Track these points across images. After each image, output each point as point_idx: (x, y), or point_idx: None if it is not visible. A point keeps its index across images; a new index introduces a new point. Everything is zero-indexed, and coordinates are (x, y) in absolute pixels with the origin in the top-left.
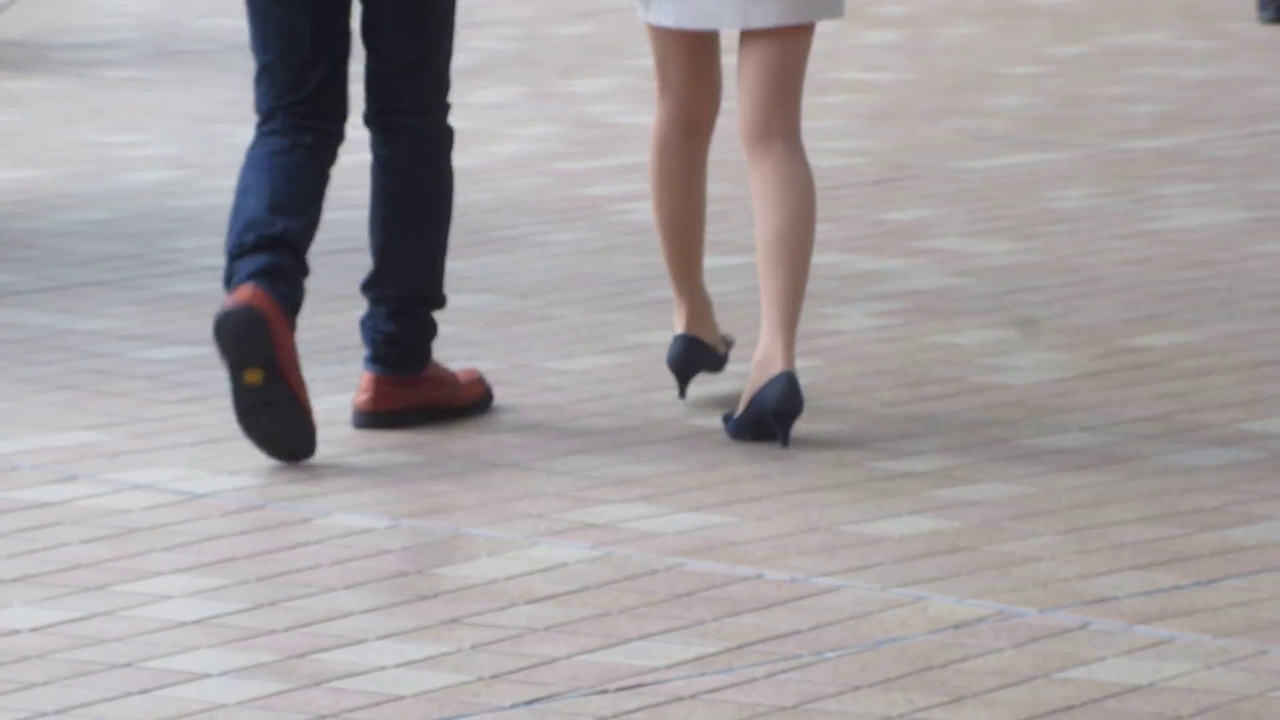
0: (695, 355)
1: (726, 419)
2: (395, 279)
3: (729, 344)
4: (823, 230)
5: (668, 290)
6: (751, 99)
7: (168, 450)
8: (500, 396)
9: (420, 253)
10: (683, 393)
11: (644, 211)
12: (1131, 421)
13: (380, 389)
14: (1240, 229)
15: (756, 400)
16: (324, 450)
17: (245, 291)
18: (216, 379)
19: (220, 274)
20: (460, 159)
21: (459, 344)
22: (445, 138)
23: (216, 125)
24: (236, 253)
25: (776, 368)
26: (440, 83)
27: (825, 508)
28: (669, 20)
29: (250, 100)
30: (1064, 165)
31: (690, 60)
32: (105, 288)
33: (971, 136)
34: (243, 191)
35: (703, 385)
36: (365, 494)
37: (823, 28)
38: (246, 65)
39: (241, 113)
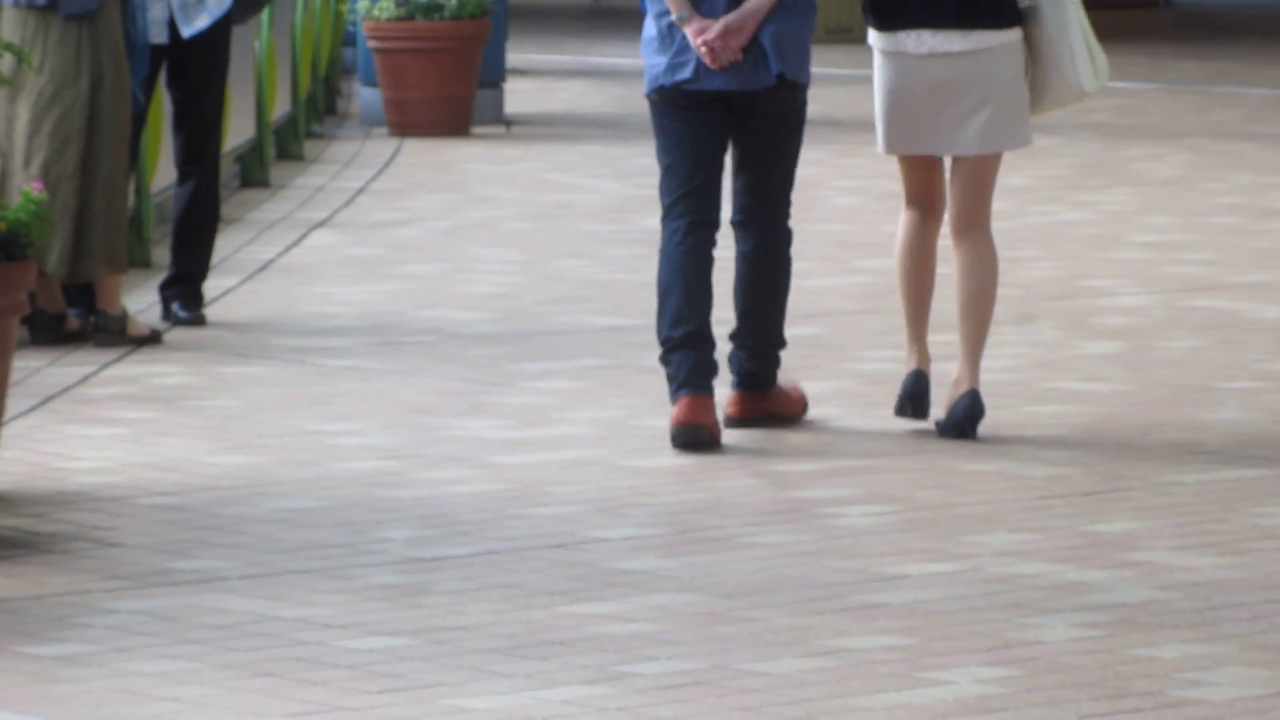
0: (923, 385)
1: (938, 424)
2: (754, 330)
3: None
4: (1030, 540)
5: (874, 595)
6: (957, 202)
7: None
8: (697, 698)
9: (771, 313)
10: (910, 413)
11: (855, 515)
12: None
13: (744, 404)
14: None
15: (952, 410)
16: None
17: (687, 411)
18: (417, 670)
19: (425, 565)
20: (672, 458)
21: (659, 642)
22: (787, 235)
23: (432, 416)
24: (670, 345)
25: (965, 387)
26: (786, 196)
27: None
28: (894, 149)
29: (467, 391)
30: (1275, 482)
31: (920, 172)
32: (311, 575)
33: (1185, 450)
34: (664, 290)
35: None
36: None
37: (1042, 337)
38: (465, 358)
39: (458, 405)
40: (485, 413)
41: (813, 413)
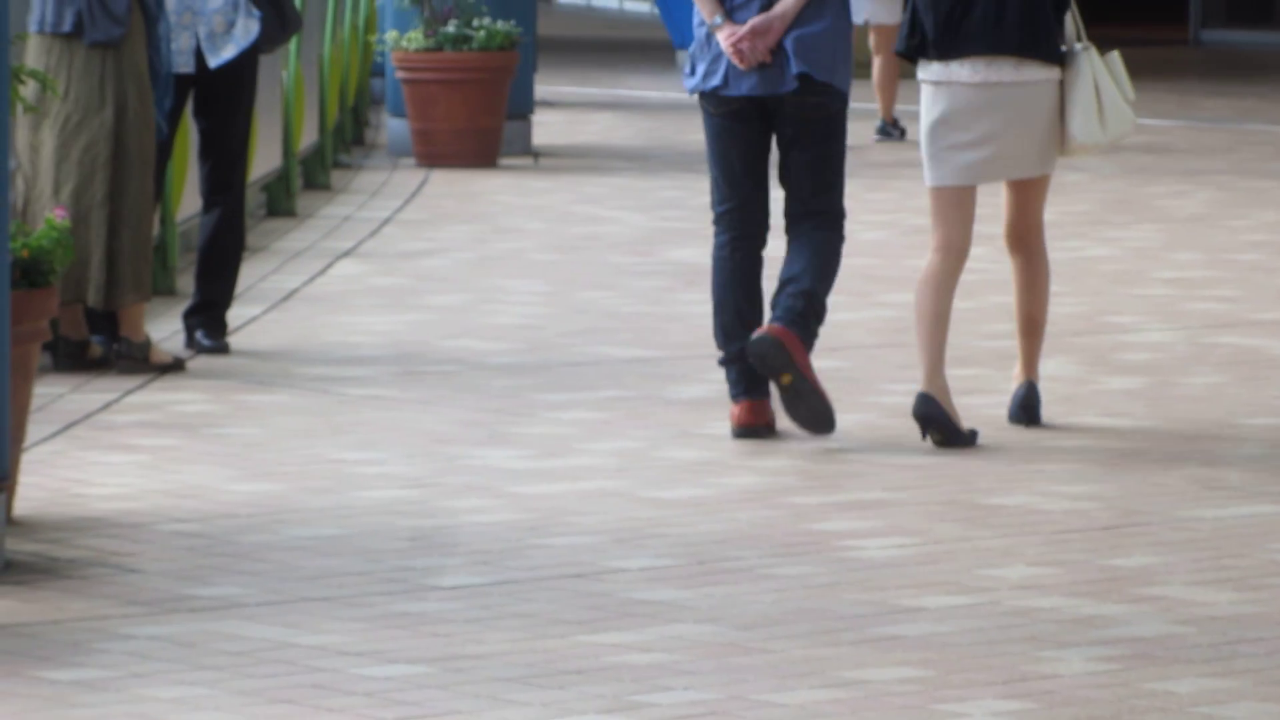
0: (932, 408)
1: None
2: (793, 283)
3: (973, 432)
4: (1048, 574)
5: (891, 627)
6: (1008, 215)
7: None
8: None
9: (813, 274)
10: (924, 436)
11: (873, 548)
12: None
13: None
14: None
15: (1012, 399)
16: None
17: (745, 414)
18: (434, 698)
19: (443, 593)
20: (692, 489)
21: (676, 673)
22: (836, 238)
23: (454, 446)
24: (724, 359)
25: (1021, 379)
26: (829, 201)
27: None
28: (942, 181)
29: (489, 421)
30: None
31: (954, 207)
32: (329, 603)
33: (1204, 486)
34: (717, 302)
35: None
36: None
37: (1065, 372)
38: (487, 388)
39: (479, 434)
40: (506, 443)
41: (832, 445)
